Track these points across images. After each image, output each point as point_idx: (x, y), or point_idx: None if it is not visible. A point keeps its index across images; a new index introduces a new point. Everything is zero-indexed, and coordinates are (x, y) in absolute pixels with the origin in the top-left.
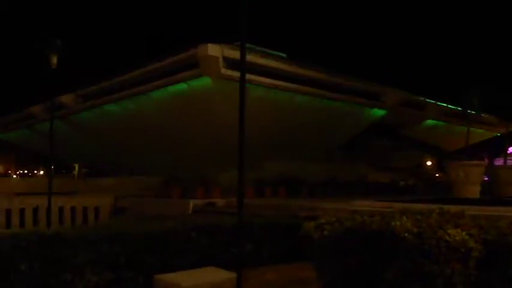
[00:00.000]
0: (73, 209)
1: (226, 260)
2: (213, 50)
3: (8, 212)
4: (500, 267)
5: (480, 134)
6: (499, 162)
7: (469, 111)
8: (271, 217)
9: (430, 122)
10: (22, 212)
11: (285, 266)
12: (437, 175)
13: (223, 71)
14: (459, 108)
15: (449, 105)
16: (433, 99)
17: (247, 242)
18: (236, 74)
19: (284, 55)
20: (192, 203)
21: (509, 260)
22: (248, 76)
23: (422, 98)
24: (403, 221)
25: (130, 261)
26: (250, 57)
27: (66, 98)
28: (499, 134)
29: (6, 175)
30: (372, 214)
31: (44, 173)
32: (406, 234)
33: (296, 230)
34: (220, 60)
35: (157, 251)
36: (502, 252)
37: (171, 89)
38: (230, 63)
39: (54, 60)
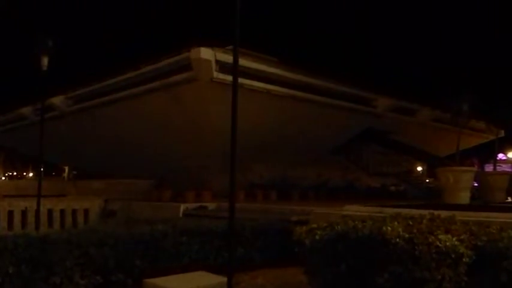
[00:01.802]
0: (62, 211)
1: (217, 264)
2: (206, 53)
3: None
4: (491, 272)
5: (470, 140)
6: (489, 168)
7: (459, 117)
8: (262, 221)
9: (420, 127)
10: (10, 214)
11: (277, 270)
12: (427, 180)
13: (216, 74)
14: (449, 115)
15: (439, 111)
16: (423, 105)
17: (238, 246)
18: (228, 77)
19: (275, 59)
20: (182, 206)
21: (499, 265)
22: (240, 80)
23: (412, 104)
24: (395, 226)
25: (120, 264)
26: (242, 61)
27: (57, 100)
28: (488, 140)
29: None
30: (363, 219)
31: (33, 175)
32: (398, 240)
33: (288, 234)
34: (213, 63)
35: (147, 254)
36: (493, 258)
37: (164, 91)
38: (222, 67)
39: (45, 61)
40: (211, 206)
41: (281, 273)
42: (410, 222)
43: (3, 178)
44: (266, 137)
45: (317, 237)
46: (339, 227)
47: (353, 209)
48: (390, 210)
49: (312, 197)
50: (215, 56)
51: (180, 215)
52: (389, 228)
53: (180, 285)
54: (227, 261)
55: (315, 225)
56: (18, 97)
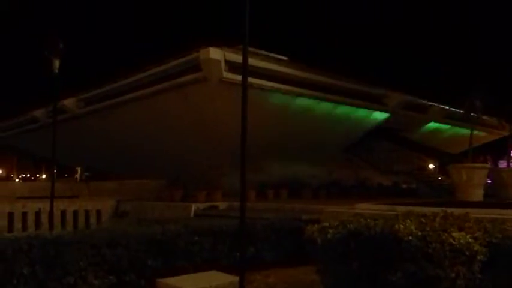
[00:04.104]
0: (75, 212)
1: (229, 264)
2: (215, 53)
3: (10, 216)
4: (505, 270)
5: (483, 136)
6: (502, 164)
7: (471, 113)
8: (273, 220)
9: (432, 124)
10: (24, 215)
11: (288, 269)
12: (440, 178)
13: (225, 74)
14: (461, 111)
15: (451, 108)
16: (435, 102)
17: (250, 245)
18: (238, 77)
19: (285, 58)
20: (194, 206)
21: None
22: (250, 79)
23: (424, 101)
24: (407, 224)
25: (133, 264)
26: (252, 61)
27: (68, 102)
28: (502, 137)
29: (8, 179)
30: (375, 217)
31: (46, 176)
32: (410, 238)
33: (299, 233)
34: (222, 63)
35: (159, 254)
36: (507, 256)
37: (174, 92)
38: (232, 67)
39: (57, 63)
40: (222, 205)
41: (293, 272)
42: (423, 220)
43: (17, 180)
44: (276, 136)
45: (329, 235)
46: (350, 225)
47: (364, 207)
48: (402, 208)
49: (323, 195)
50: (224, 56)
51: (192, 214)
52: (401, 226)
53: (192, 285)
54: (239, 261)
55: (326, 224)
56: (30, 100)
